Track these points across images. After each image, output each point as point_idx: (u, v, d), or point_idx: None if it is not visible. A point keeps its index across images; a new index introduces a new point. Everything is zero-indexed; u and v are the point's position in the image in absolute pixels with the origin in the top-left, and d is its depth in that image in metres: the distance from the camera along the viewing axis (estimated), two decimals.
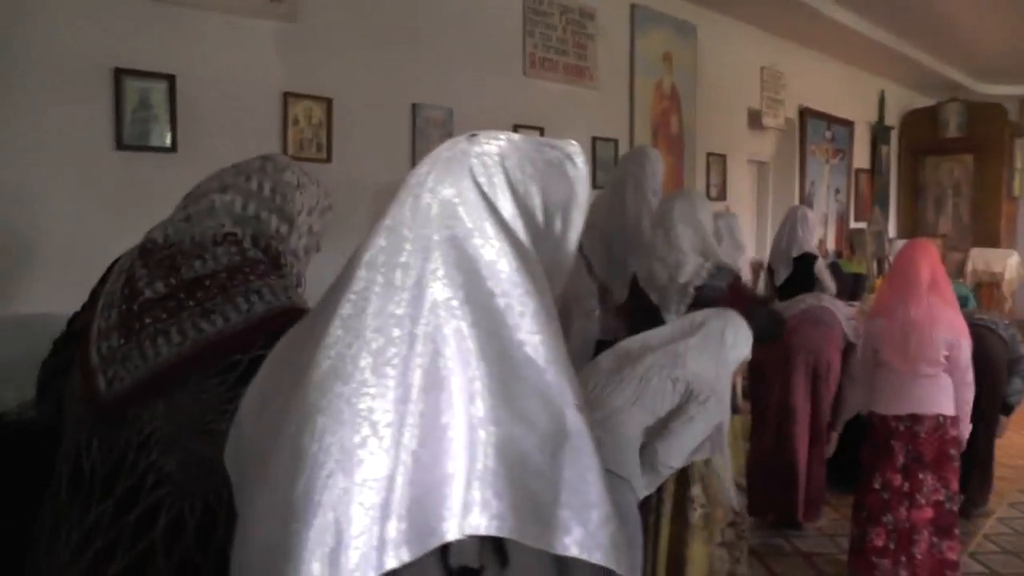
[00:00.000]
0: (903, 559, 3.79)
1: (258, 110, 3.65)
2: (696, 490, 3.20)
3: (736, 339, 2.77)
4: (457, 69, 4.38)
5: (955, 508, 3.83)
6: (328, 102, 3.90)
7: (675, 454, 2.49)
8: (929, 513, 3.76)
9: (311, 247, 1.79)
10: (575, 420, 1.03)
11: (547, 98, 4.83)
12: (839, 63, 8.22)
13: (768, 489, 4.49)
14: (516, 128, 4.49)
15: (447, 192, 1.10)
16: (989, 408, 4.74)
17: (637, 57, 5.42)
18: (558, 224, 1.19)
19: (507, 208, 1.12)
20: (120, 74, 3.21)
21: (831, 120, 8.03)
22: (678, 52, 5.77)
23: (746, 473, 4.50)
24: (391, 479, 0.96)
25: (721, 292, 3.35)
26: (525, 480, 0.97)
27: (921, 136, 10.16)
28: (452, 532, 0.94)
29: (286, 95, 3.75)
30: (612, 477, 2.43)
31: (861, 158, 8.91)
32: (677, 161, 5.74)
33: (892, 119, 9.80)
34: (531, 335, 1.04)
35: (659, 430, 2.46)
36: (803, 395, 4.45)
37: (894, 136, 9.94)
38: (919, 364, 3.76)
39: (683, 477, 3.16)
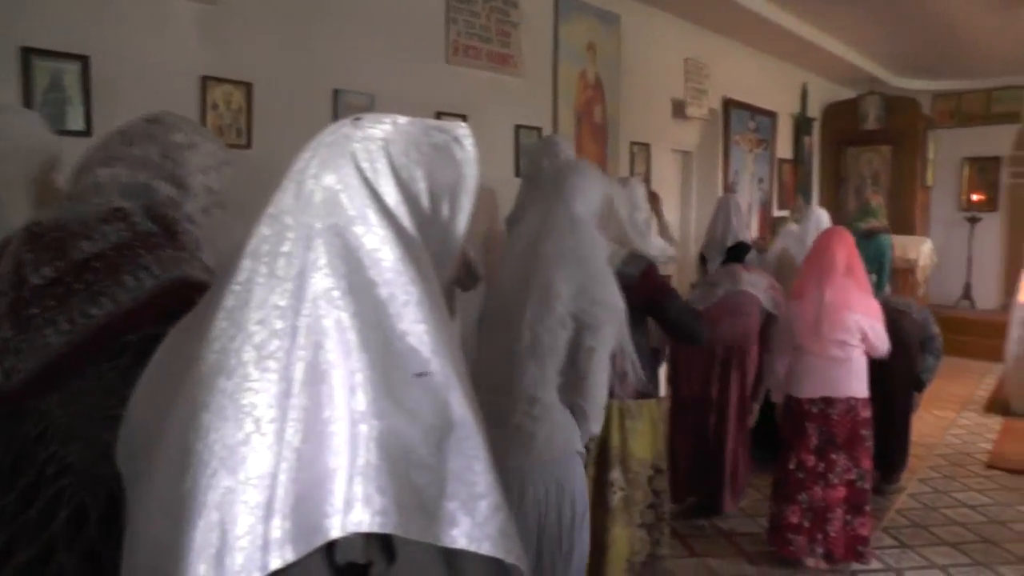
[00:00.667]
0: (818, 536, 3.91)
1: (176, 94, 3.56)
2: (615, 474, 3.24)
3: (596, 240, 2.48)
4: (380, 55, 4.33)
5: (867, 486, 3.96)
6: (248, 87, 3.82)
7: (595, 394, 2.40)
8: (842, 492, 3.90)
9: (211, 207, 1.72)
10: (461, 410, 1.02)
11: (470, 85, 4.81)
12: (763, 55, 8.37)
13: (690, 477, 4.58)
14: (439, 115, 4.47)
15: (330, 179, 1.08)
16: (904, 388, 4.95)
17: (561, 46, 5.44)
18: (445, 209, 1.18)
19: (391, 194, 1.10)
20: (28, 54, 3.10)
21: (755, 111, 8.17)
22: (602, 42, 5.80)
23: (667, 460, 4.61)
24: (274, 476, 0.95)
25: (632, 279, 3.38)
26: (409, 473, 0.97)
27: (842, 127, 10.44)
28: (336, 529, 0.93)
29: (205, 79, 3.68)
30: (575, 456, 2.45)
31: (784, 148, 9.10)
32: (601, 150, 5.78)
33: (814, 111, 10.03)
34: (415, 324, 1.03)
35: (574, 384, 2.42)
36: (722, 387, 4.54)
37: (816, 127, 10.17)
38: (831, 346, 3.88)
39: (602, 461, 3.20)
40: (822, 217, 5.49)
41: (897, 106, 10.39)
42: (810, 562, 3.94)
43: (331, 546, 0.94)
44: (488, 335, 2.37)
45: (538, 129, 5.27)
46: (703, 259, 5.01)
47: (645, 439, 3.35)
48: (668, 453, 4.58)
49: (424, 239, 1.12)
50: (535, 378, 2.27)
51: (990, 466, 5.65)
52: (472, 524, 0.99)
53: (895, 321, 4.81)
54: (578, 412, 2.40)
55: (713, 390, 4.53)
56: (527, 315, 2.27)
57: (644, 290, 3.43)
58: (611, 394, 2.70)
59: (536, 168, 3.55)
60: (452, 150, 1.19)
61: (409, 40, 4.49)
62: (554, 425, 2.30)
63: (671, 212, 6.58)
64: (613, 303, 2.30)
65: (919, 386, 5.05)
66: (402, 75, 4.42)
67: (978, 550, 4.26)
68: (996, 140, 11.01)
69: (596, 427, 2.45)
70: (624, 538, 3.19)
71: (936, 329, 5.08)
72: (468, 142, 1.21)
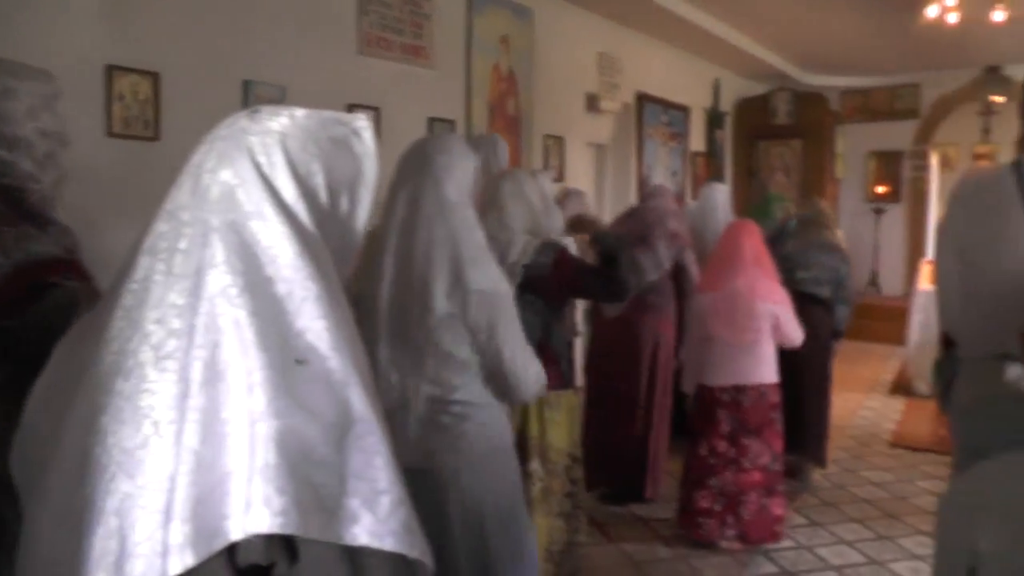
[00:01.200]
0: (729, 519, 4.00)
1: (79, 84, 3.44)
2: (534, 464, 3.26)
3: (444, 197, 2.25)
4: (291, 46, 4.27)
5: (779, 468, 4.07)
6: (155, 77, 3.73)
7: (520, 359, 2.26)
8: (757, 476, 4.00)
9: (54, 149, 1.65)
10: (361, 407, 1.02)
11: (383, 77, 4.78)
12: (675, 51, 8.51)
13: (608, 467, 4.64)
14: (352, 108, 4.43)
15: (226, 174, 1.07)
16: (818, 375, 5.06)
17: (475, 38, 5.45)
18: (344, 204, 1.17)
19: (288, 189, 1.09)
20: None
21: (668, 105, 8.30)
22: (515, 35, 5.83)
23: (585, 451, 4.66)
24: (173, 480, 0.93)
25: (546, 268, 3.40)
26: (309, 472, 0.96)
27: (754, 122, 10.69)
28: (236, 532, 0.93)
29: (110, 68, 3.57)
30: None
31: (697, 142, 9.28)
32: (515, 143, 5.81)
33: (726, 105, 10.24)
34: (314, 321, 1.02)
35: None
36: (643, 382, 4.61)
37: (729, 121, 10.40)
38: (744, 332, 3.97)
39: (521, 453, 3.20)
40: (717, 192, 5.63)
41: (807, 101, 10.69)
42: (724, 543, 4.04)
43: (233, 548, 0.94)
44: (386, 336, 2.22)
45: (451, 122, 5.27)
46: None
47: (563, 429, 3.37)
48: (586, 442, 4.66)
49: (323, 235, 1.12)
50: (445, 380, 2.20)
51: (894, 445, 5.86)
52: (374, 520, 0.99)
53: (804, 310, 4.95)
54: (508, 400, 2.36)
55: (634, 386, 4.60)
56: (413, 315, 2.17)
57: (560, 278, 3.44)
58: None
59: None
60: (351, 143, 1.18)
61: (321, 31, 4.44)
62: (482, 421, 2.26)
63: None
64: (493, 288, 2.18)
65: (837, 336, 5.14)
66: (314, 66, 4.37)
67: (882, 524, 4.43)
68: (899, 135, 11.41)
69: (530, 396, 2.37)
70: (543, 528, 3.21)
71: (846, 269, 5.14)
72: (367, 135, 1.21)
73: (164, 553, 0.91)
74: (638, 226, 4.57)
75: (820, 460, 5.12)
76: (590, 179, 7.28)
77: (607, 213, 7.01)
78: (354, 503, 0.98)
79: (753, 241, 4.09)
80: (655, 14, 6.99)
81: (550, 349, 3.42)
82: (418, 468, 2.10)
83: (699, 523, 4.04)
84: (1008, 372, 2.11)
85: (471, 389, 2.25)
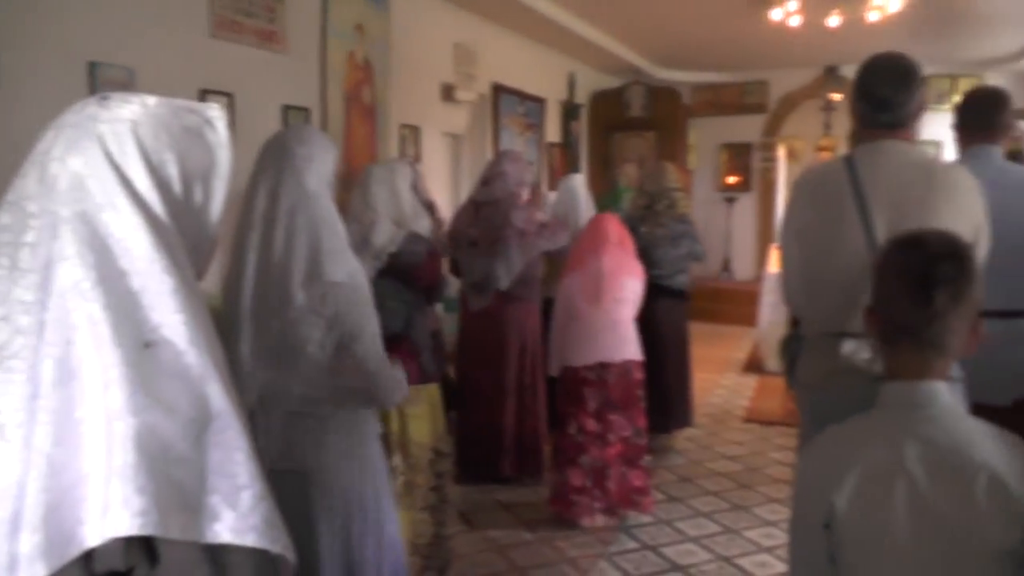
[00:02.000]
0: (597, 493, 4.10)
1: None
2: (396, 460, 3.23)
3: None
4: (140, 26, 4.02)
5: (641, 441, 4.18)
6: None
7: (373, 353, 2.25)
8: (618, 448, 4.11)
9: None
10: (220, 401, 1.00)
11: (236, 62, 4.60)
12: (531, 43, 8.59)
13: (482, 458, 4.66)
14: (204, 94, 4.26)
15: (75, 163, 1.02)
16: (679, 359, 5.29)
17: (330, 25, 5.33)
18: (199, 195, 1.14)
19: (141, 180, 1.05)
20: None
21: (524, 96, 8.38)
22: (371, 23, 5.75)
23: (460, 442, 4.67)
24: (22, 487, 0.88)
25: (419, 258, 3.39)
26: (168, 470, 0.93)
27: (608, 114, 10.95)
28: (92, 537, 0.88)
29: None
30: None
31: (553, 133, 9.40)
32: (370, 132, 5.73)
33: (582, 97, 10.44)
34: (170, 315, 0.99)
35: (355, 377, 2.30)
36: (514, 371, 4.65)
37: (584, 113, 10.61)
38: (611, 308, 4.08)
39: (383, 448, 3.18)
40: (577, 184, 5.76)
41: (660, 95, 11.04)
42: (586, 521, 4.11)
43: (89, 555, 0.89)
44: (247, 331, 2.13)
45: (306, 110, 5.15)
46: None
47: (424, 423, 3.36)
48: (461, 432, 4.67)
49: (178, 226, 1.08)
50: (306, 375, 2.15)
51: (748, 420, 6.13)
52: (236, 517, 0.97)
53: (659, 296, 5.18)
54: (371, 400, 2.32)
55: (506, 376, 4.63)
56: (272, 308, 2.11)
57: (431, 270, 3.46)
58: None
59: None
60: (204, 133, 1.15)
61: (171, 11, 4.20)
62: (345, 415, 2.23)
63: (441, 194, 6.64)
64: (350, 281, 2.15)
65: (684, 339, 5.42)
66: (164, 48, 4.14)
67: (737, 495, 4.62)
68: (748, 128, 11.95)
69: (390, 403, 2.35)
70: (407, 522, 3.18)
71: (699, 249, 5.37)
72: (220, 124, 1.18)
73: (11, 566, 0.86)
74: (487, 227, 4.57)
75: (689, 422, 5.49)
76: (446, 169, 7.27)
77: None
78: (215, 500, 0.96)
79: (616, 227, 4.28)
80: (511, 6, 7.03)
81: (411, 341, 3.41)
82: (281, 466, 2.07)
83: (572, 501, 4.11)
84: (844, 347, 2.24)
85: (332, 383, 2.20)
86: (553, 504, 4.23)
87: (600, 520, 4.14)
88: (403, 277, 3.36)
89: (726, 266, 11.86)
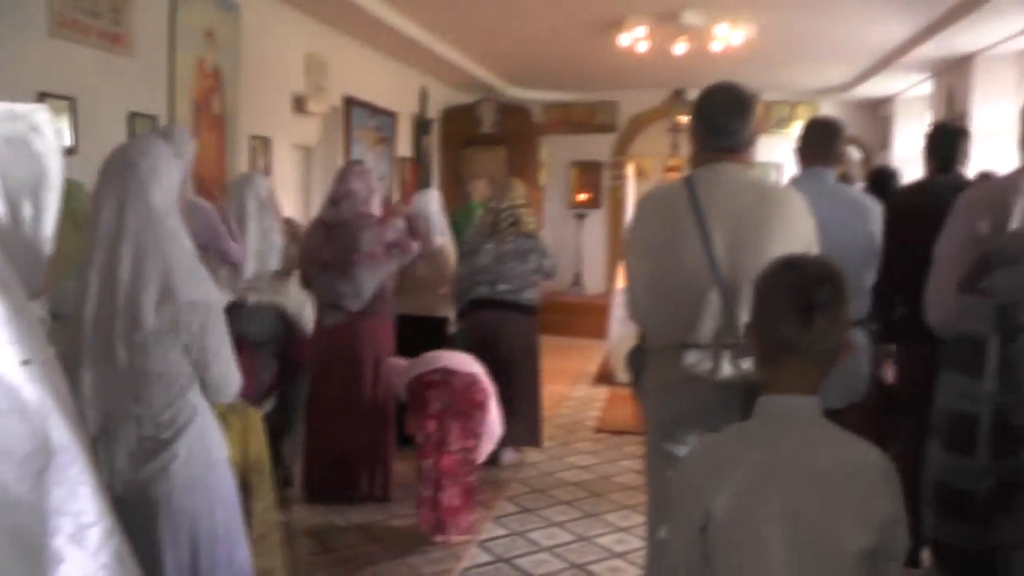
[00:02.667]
0: (439, 502, 4.07)
1: None
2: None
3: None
4: None
5: (473, 457, 4.19)
6: None
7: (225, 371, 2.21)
8: (452, 460, 4.10)
9: None
10: (62, 436, 0.93)
11: (79, 65, 4.33)
12: (383, 57, 8.56)
13: (334, 476, 4.56)
14: (43, 96, 3.99)
15: None
16: (529, 372, 5.35)
17: (179, 30, 5.13)
18: (27, 209, 1.05)
19: None
20: None
21: (375, 110, 8.34)
22: (221, 30, 5.58)
23: (311, 459, 4.57)
24: None
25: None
26: (5, 513, 0.87)
27: (460, 130, 11.05)
28: None
29: None
30: None
31: (405, 147, 9.40)
32: (220, 142, 5.57)
33: (434, 113, 10.49)
34: (3, 348, 0.91)
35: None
36: (367, 387, 4.58)
37: (436, 128, 10.65)
38: None
39: None
40: (431, 199, 5.83)
41: (511, 113, 11.22)
42: (438, 536, 4.09)
43: None
44: (89, 358, 2.06)
45: (154, 117, 4.93)
46: None
47: (234, 447, 3.27)
48: (312, 450, 4.57)
49: (5, 248, 0.99)
50: (153, 400, 2.08)
51: (599, 430, 6.28)
52: (84, 556, 0.91)
53: (508, 314, 5.28)
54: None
55: (361, 385, 4.56)
56: (118, 333, 2.03)
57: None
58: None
59: None
60: (30, 140, 1.05)
61: (2, 4, 3.93)
62: (192, 440, 2.15)
63: (291, 207, 6.51)
64: (204, 300, 2.10)
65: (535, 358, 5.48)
66: None
67: (590, 504, 4.71)
68: (599, 147, 12.32)
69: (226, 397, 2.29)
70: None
71: (549, 263, 5.44)
72: (49, 129, 1.07)
73: None
74: (337, 250, 4.51)
75: (537, 441, 5.53)
76: (297, 181, 7.14)
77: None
78: (59, 541, 0.89)
79: None
80: (363, 19, 6.98)
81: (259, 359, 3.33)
82: (127, 495, 2.02)
83: (423, 514, 4.11)
84: (687, 358, 2.35)
85: (181, 406, 2.14)
86: (421, 518, 4.15)
87: (454, 534, 4.11)
88: None
89: (577, 280, 12.14)
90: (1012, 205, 2.35)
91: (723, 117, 2.41)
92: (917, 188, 3.92)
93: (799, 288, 1.52)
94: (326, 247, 4.53)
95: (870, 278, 3.24)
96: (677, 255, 2.36)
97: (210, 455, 2.21)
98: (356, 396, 4.55)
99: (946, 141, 3.75)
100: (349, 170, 4.74)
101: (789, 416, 1.55)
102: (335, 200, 4.61)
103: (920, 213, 3.16)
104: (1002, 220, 2.35)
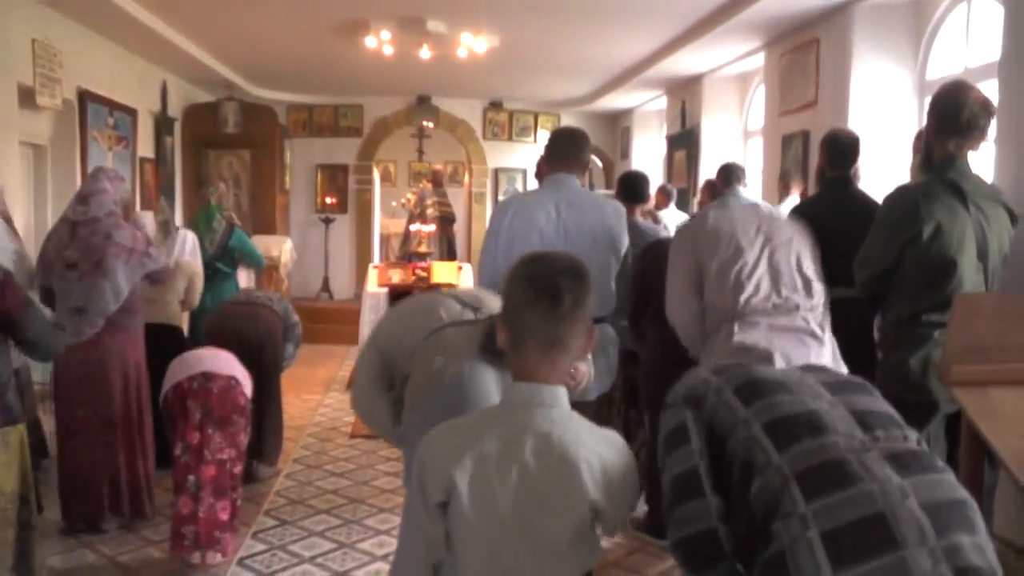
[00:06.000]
0: (197, 517, 3.86)
1: None
2: None
3: None
4: None
5: (236, 470, 4.09)
6: None
7: None
8: (212, 471, 3.94)
9: None
10: None
11: None
12: (120, 48, 8.04)
13: (89, 503, 4.24)
14: None
15: None
16: (271, 376, 5.22)
17: None
18: None
19: None
20: None
21: (113, 106, 7.80)
22: None
23: (63, 482, 4.22)
24: None
25: None
26: None
27: (203, 130, 10.58)
28: None
29: None
30: None
31: (146, 147, 8.84)
32: None
33: (175, 111, 9.98)
34: None
35: None
36: (118, 404, 4.29)
37: (178, 127, 10.13)
38: None
39: None
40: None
41: (255, 113, 10.90)
42: (195, 558, 3.87)
43: None
44: None
45: None
46: None
47: (11, 471, 3.03)
48: (64, 473, 4.22)
49: None
50: None
51: (353, 436, 6.28)
52: None
53: (259, 316, 5.18)
54: None
55: (111, 402, 4.26)
56: None
57: (2, 306, 3.12)
58: None
59: None
60: None
61: None
62: None
63: (21, 212, 5.99)
64: None
65: (278, 371, 5.38)
66: None
67: (348, 510, 4.73)
68: (344, 150, 12.30)
69: None
70: None
71: (296, 318, 5.49)
72: None
73: None
74: (87, 248, 4.17)
75: (274, 461, 5.40)
76: (28, 183, 6.55)
77: (48, 222, 6.28)
78: None
79: None
80: (95, 5, 6.50)
81: None
82: None
83: (183, 534, 3.84)
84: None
85: None
86: (172, 546, 3.89)
87: (210, 556, 3.90)
88: None
89: (325, 286, 12.01)
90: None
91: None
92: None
93: (543, 276, 1.64)
94: (71, 247, 4.18)
95: (614, 275, 3.59)
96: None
97: None
98: (110, 415, 4.25)
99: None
100: (102, 172, 4.45)
101: (538, 403, 1.66)
102: (84, 197, 4.28)
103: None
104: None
